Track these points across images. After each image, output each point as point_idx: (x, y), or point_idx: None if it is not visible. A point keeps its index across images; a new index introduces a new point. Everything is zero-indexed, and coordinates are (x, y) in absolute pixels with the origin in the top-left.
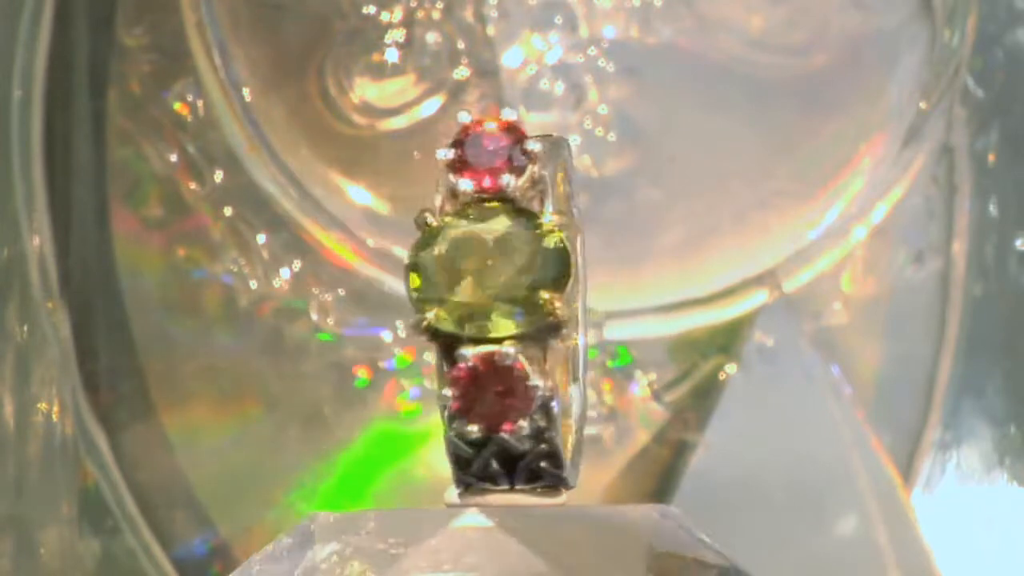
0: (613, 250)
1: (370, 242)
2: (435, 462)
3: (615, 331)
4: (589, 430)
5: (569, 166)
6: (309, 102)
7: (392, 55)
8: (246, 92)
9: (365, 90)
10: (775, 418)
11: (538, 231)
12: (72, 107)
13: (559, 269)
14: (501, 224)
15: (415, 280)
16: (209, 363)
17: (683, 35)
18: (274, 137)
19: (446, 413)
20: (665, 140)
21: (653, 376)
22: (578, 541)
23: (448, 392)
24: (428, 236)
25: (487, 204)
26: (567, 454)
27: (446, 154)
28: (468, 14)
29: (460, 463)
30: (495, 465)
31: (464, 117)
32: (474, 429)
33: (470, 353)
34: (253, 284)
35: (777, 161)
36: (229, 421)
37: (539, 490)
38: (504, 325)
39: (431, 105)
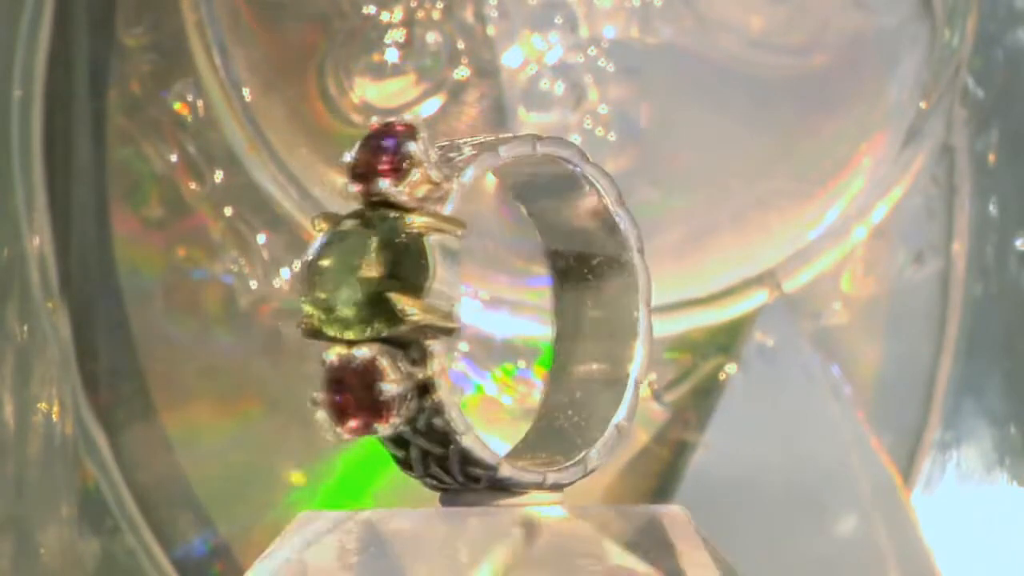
0: None
1: None
2: None
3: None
4: None
5: (579, 161)
6: (309, 102)
7: (392, 55)
8: (246, 92)
9: (365, 90)
10: (775, 418)
11: (402, 233)
12: (72, 107)
13: (413, 272)
14: (372, 227)
15: (300, 280)
16: (209, 363)
17: (683, 35)
18: (274, 137)
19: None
20: (665, 140)
21: (653, 376)
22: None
23: (316, 394)
24: (317, 238)
25: (376, 207)
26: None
27: (347, 157)
28: (468, 14)
29: (403, 466)
30: (434, 467)
31: (372, 120)
32: (340, 432)
33: (332, 355)
34: (253, 284)
35: (777, 161)
36: (229, 421)
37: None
38: (359, 328)
39: (431, 105)
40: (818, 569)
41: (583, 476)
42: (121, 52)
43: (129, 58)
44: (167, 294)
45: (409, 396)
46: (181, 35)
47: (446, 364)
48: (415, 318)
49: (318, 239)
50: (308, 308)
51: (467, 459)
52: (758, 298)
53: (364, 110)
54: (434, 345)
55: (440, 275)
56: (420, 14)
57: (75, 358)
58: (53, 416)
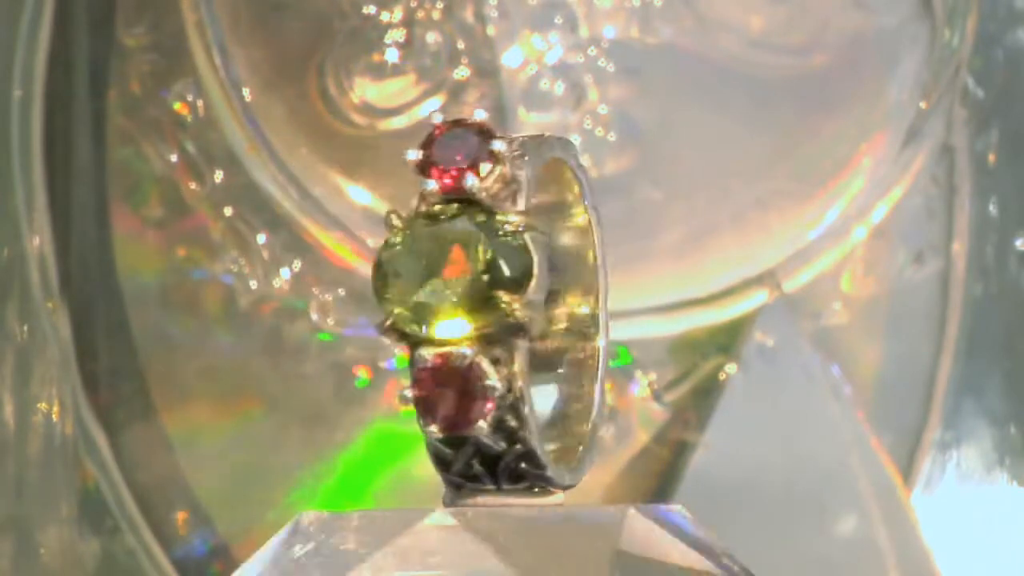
0: (613, 250)
1: (370, 242)
2: None
3: (615, 331)
4: None
5: (576, 165)
6: (309, 102)
7: (392, 55)
8: (246, 92)
9: (365, 90)
10: (775, 418)
11: (498, 231)
12: (72, 107)
13: (518, 270)
14: (461, 224)
15: (379, 280)
16: (209, 363)
17: (683, 35)
18: (274, 137)
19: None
20: (665, 140)
21: (653, 376)
22: (547, 542)
23: (407, 392)
24: (393, 236)
25: (453, 205)
26: (573, 456)
27: (415, 155)
28: (468, 14)
29: (441, 464)
30: (477, 466)
31: (436, 118)
32: (434, 430)
33: (428, 353)
34: (253, 284)
35: (777, 161)
36: (229, 421)
37: (536, 490)
38: (462, 326)
39: (431, 105)
40: (818, 569)
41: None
42: (121, 52)
43: (129, 58)
44: (167, 294)
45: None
46: (181, 35)
47: (525, 363)
48: (520, 316)
49: (400, 238)
50: (394, 308)
51: (525, 458)
52: (758, 298)
53: (364, 110)
54: (519, 343)
55: (538, 273)
56: (420, 14)
57: (75, 358)
58: (53, 416)
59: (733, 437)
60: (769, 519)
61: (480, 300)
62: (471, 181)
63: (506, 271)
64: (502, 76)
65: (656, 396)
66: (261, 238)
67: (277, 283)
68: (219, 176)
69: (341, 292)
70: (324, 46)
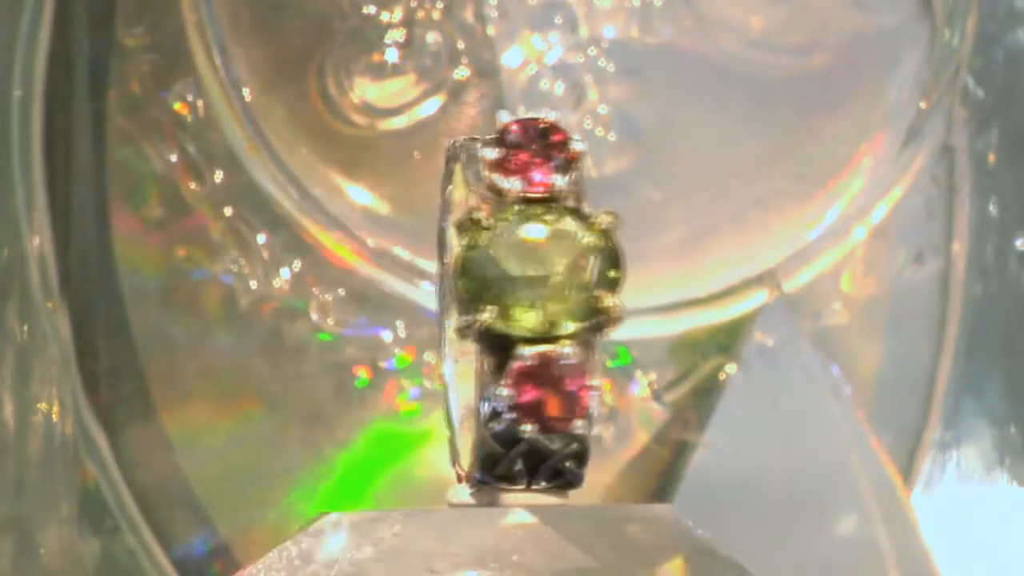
0: None
1: (370, 242)
2: (435, 462)
3: (615, 331)
4: None
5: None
6: (309, 102)
7: (392, 55)
8: (246, 92)
9: (365, 90)
10: (775, 418)
11: (592, 232)
12: (72, 107)
13: (614, 268)
14: (554, 224)
15: (465, 280)
16: (209, 363)
17: (683, 35)
18: (274, 137)
19: (488, 411)
20: (665, 140)
21: (653, 376)
22: (621, 538)
23: (506, 391)
24: (478, 236)
25: (534, 204)
26: None
27: (492, 153)
28: (468, 14)
29: (487, 463)
30: (519, 465)
31: (504, 116)
32: (528, 428)
33: (529, 352)
34: (253, 284)
35: (777, 161)
36: (229, 421)
37: (550, 489)
38: (561, 324)
39: (431, 105)
40: (818, 569)
41: None
42: (121, 52)
43: (129, 58)
44: (167, 294)
45: None
46: (181, 35)
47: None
48: (615, 313)
49: (488, 239)
50: (486, 309)
51: (574, 457)
52: (758, 298)
53: (364, 110)
54: (597, 341)
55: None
56: (420, 14)
57: (75, 358)
58: (53, 416)
59: (733, 437)
60: (769, 519)
61: (583, 299)
62: (559, 181)
63: (606, 270)
64: (502, 76)
65: (656, 396)
66: (261, 238)
67: (277, 283)
68: (219, 176)
69: (341, 292)
70: (324, 46)
